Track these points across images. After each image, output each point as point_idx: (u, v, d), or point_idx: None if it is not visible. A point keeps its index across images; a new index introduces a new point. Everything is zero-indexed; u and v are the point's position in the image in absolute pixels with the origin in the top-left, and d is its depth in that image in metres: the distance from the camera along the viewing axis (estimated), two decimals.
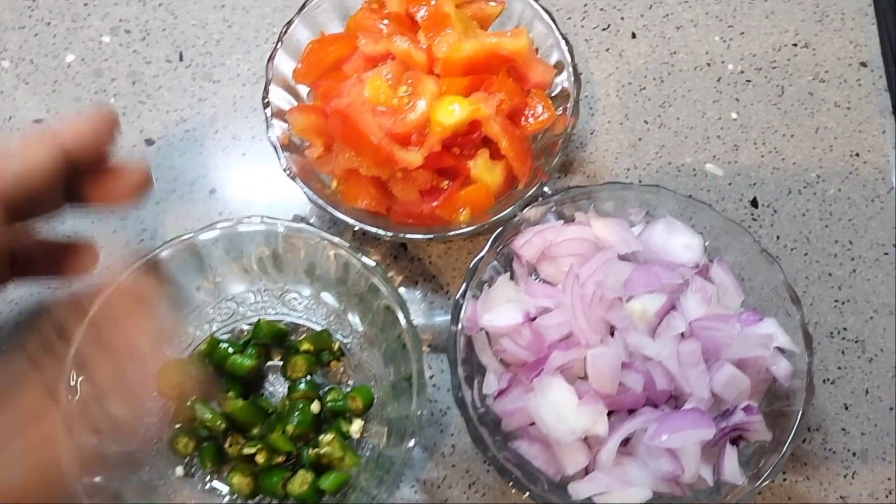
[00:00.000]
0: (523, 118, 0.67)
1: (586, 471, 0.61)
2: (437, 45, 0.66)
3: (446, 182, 0.66)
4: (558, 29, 0.71)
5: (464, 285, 0.62)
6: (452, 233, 0.64)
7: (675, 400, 0.62)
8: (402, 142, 0.63)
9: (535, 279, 0.67)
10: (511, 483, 0.58)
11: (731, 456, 0.59)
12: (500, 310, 0.62)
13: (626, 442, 0.60)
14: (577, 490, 0.60)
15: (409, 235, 0.64)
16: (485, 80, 0.66)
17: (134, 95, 0.79)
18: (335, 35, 0.72)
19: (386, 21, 0.69)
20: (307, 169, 0.68)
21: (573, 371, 0.61)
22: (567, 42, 0.70)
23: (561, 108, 0.70)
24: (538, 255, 0.65)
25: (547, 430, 0.58)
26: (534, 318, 0.61)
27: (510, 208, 0.64)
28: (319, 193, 0.65)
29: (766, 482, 0.58)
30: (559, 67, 0.71)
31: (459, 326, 0.62)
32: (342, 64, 0.69)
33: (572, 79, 0.69)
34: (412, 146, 0.63)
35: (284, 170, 0.66)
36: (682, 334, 0.61)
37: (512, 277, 0.67)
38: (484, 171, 0.65)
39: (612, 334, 0.62)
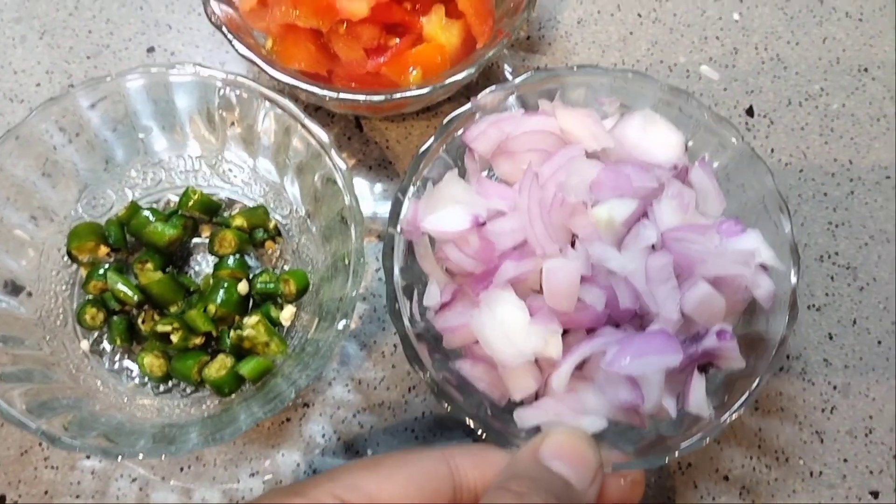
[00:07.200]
0: None
1: (536, 395, 0.53)
2: None
3: (395, 40, 0.58)
4: None
5: (404, 181, 0.55)
6: (400, 94, 0.56)
7: (639, 319, 0.54)
8: None
9: (491, 176, 0.59)
10: (449, 410, 0.51)
11: (698, 385, 0.51)
12: (445, 212, 0.53)
13: (581, 364, 0.52)
14: (524, 417, 0.52)
15: (351, 96, 0.56)
16: None
17: None
18: None
19: None
20: (240, 25, 0.60)
21: (526, 284, 0.53)
22: None
23: None
24: (494, 149, 0.56)
25: (492, 352, 0.51)
26: (483, 224, 0.53)
27: (467, 70, 0.57)
28: (254, 51, 0.57)
29: (735, 415, 0.51)
30: None
31: (398, 229, 0.54)
32: None
33: None
34: None
35: (209, 17, 0.58)
36: (653, 246, 0.52)
37: (462, 174, 0.58)
38: (438, 28, 0.57)
39: (573, 244, 0.54)
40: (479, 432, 0.51)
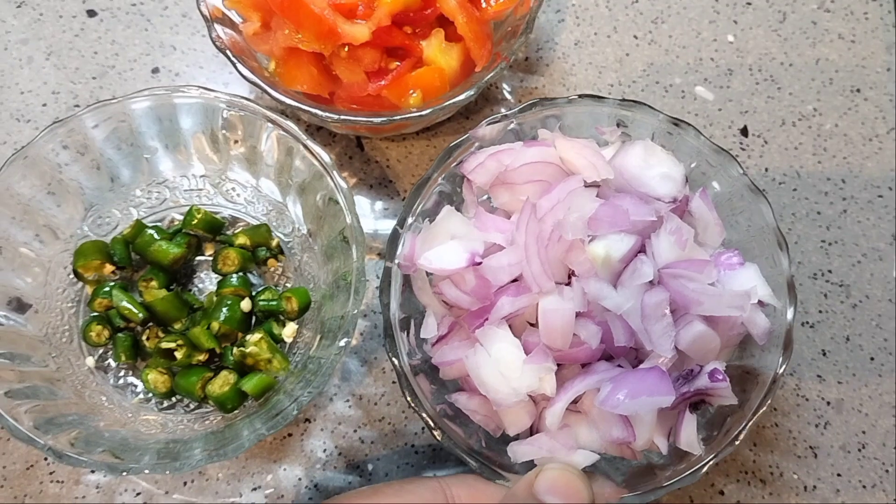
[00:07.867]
0: (483, 1, 0.61)
1: (531, 429, 0.54)
2: None
3: (395, 63, 0.59)
4: None
5: (402, 212, 0.55)
6: (400, 116, 0.57)
7: (634, 352, 0.54)
8: (347, 14, 0.56)
9: (488, 199, 0.58)
10: (445, 445, 0.52)
11: (689, 424, 0.51)
12: (442, 248, 0.53)
13: (575, 398, 0.52)
14: (517, 452, 0.53)
15: (352, 118, 0.57)
16: None
17: None
18: None
19: None
20: (243, 48, 0.61)
21: (522, 318, 0.53)
22: None
23: None
24: (492, 181, 0.55)
25: (487, 391, 0.51)
26: (479, 263, 0.52)
27: (466, 93, 0.58)
28: (257, 74, 0.59)
29: (726, 451, 0.52)
30: None
31: (395, 263, 0.54)
32: None
33: None
34: (358, 19, 0.56)
35: (213, 41, 0.59)
36: (650, 281, 0.52)
37: (461, 205, 0.58)
38: (438, 52, 0.58)
39: (570, 277, 0.53)
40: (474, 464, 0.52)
